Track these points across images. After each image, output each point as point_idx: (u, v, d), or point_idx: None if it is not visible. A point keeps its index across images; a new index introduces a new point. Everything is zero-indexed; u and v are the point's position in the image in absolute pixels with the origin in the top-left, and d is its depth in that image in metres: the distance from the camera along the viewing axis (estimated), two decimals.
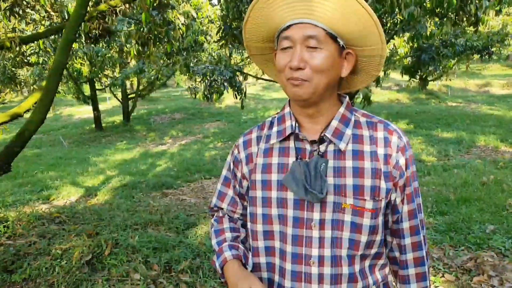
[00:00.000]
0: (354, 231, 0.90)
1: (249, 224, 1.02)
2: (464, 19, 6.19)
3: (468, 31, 10.57)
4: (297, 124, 0.95)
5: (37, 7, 4.83)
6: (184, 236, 3.60)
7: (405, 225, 0.97)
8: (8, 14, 4.50)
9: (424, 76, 16.30)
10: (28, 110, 3.47)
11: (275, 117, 1.03)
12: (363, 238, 0.90)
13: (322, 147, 0.92)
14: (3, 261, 2.76)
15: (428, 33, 6.65)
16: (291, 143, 0.95)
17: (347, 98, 0.98)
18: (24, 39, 3.31)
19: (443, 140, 8.14)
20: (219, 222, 1.10)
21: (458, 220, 3.74)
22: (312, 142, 0.93)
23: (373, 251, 0.94)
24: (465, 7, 5.63)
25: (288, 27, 0.87)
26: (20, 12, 4.67)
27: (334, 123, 0.92)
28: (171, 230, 3.75)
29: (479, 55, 11.01)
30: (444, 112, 12.38)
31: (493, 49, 11.66)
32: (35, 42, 5.14)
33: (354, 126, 0.94)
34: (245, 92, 7.98)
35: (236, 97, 8.05)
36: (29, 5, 4.69)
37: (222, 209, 1.11)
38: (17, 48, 3.19)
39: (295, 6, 0.85)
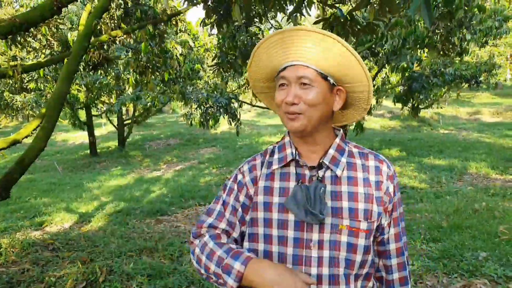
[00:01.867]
0: (350, 251, 0.98)
1: (247, 244, 1.07)
2: (450, 49, 6.44)
3: (456, 61, 10.90)
4: (297, 152, 1.05)
5: (39, 36, 4.97)
6: (178, 263, 3.59)
7: (392, 246, 1.06)
8: (9, 43, 4.62)
9: (416, 105, 16.60)
10: (26, 137, 3.52)
11: (276, 146, 1.12)
12: (358, 258, 0.98)
13: (320, 173, 1.02)
14: None
15: (418, 64, 6.88)
16: (292, 169, 1.04)
17: (341, 131, 1.10)
18: (26, 68, 3.40)
19: (435, 167, 8.24)
20: (217, 238, 1.05)
21: (451, 247, 3.76)
22: (311, 168, 1.03)
23: (365, 271, 1.02)
24: (451, 38, 5.88)
25: (285, 68, 0.99)
26: (22, 40, 4.80)
27: (331, 151, 1.03)
28: (166, 257, 3.74)
29: (467, 84, 11.29)
30: (436, 140, 12.56)
31: (481, 78, 11.97)
32: (35, 71, 5.24)
33: (348, 155, 1.05)
34: (239, 119, 8.10)
35: (231, 124, 8.16)
36: (30, 34, 4.82)
37: (218, 228, 1.08)
38: (19, 77, 3.27)
39: (289, 51, 0.97)
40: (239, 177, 1.10)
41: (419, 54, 8.21)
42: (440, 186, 6.75)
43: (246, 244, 1.07)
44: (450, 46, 6.16)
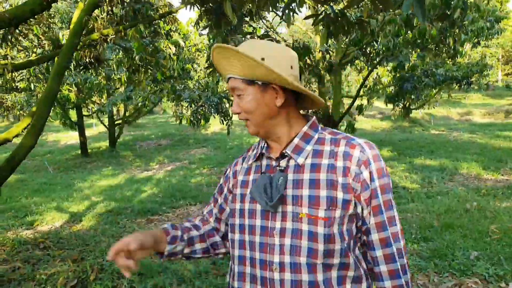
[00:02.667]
0: (311, 239, 0.96)
1: (230, 235, 1.13)
2: (444, 50, 6.50)
3: (448, 62, 11.03)
4: (265, 146, 1.10)
5: (30, 35, 4.92)
6: (169, 262, 3.58)
7: (374, 237, 1.00)
8: (0, 42, 4.56)
9: (407, 105, 16.76)
10: (17, 135, 3.49)
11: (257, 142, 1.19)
12: (320, 247, 0.95)
13: (283, 162, 1.04)
14: None
15: (410, 64, 6.93)
16: (263, 162, 1.10)
17: (314, 118, 1.10)
18: (17, 66, 3.36)
19: (426, 168, 8.31)
20: (193, 218, 1.28)
21: (442, 246, 3.78)
22: (277, 159, 1.06)
23: (336, 260, 0.97)
24: (444, 39, 5.93)
25: (228, 79, 1.06)
26: (13, 40, 4.75)
27: (296, 140, 1.04)
28: (156, 256, 3.72)
29: (458, 85, 11.42)
30: (427, 140, 12.67)
31: (473, 79, 12.12)
32: (26, 69, 5.20)
33: (317, 143, 1.04)
34: (231, 118, 8.10)
35: (223, 123, 8.15)
36: (22, 33, 4.77)
37: (201, 214, 1.29)
38: (9, 75, 3.24)
39: (223, 66, 1.05)
40: (227, 171, 1.23)
41: (413, 54, 8.28)
42: (431, 186, 6.80)
43: (229, 235, 1.14)
44: (444, 47, 6.22)
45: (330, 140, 1.04)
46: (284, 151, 1.04)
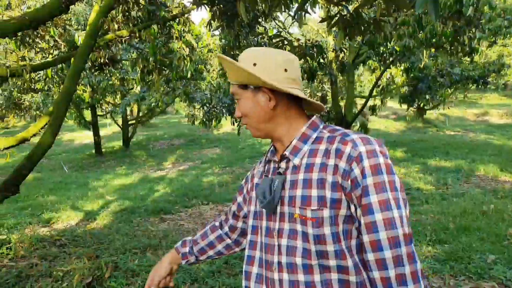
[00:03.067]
0: (305, 240, 0.96)
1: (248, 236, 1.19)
2: (459, 49, 6.39)
3: (463, 61, 10.85)
4: (273, 149, 1.14)
5: (47, 37, 5.01)
6: None
7: (365, 238, 0.91)
8: (18, 44, 4.67)
9: (421, 105, 16.54)
10: (35, 135, 3.56)
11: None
12: (312, 248, 0.95)
13: (282, 164, 1.06)
14: (5, 282, 2.78)
15: (422, 65, 6.84)
16: (272, 164, 1.13)
17: (313, 117, 1.09)
18: (35, 67, 3.43)
19: (441, 169, 8.19)
20: (215, 219, 1.39)
21: (458, 249, 3.71)
22: (279, 162, 1.08)
23: (332, 262, 0.94)
24: (459, 37, 5.83)
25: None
26: (30, 41, 4.85)
27: (294, 141, 1.05)
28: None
29: (475, 85, 11.22)
30: (442, 141, 12.48)
31: (490, 78, 11.90)
32: (43, 70, 5.30)
33: (314, 142, 1.03)
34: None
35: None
36: (39, 35, 4.86)
37: (224, 214, 1.37)
38: (28, 76, 3.31)
39: (227, 73, 1.10)
40: (249, 172, 1.28)
41: (425, 54, 8.17)
42: (446, 187, 6.70)
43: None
44: (459, 46, 6.11)
45: (327, 138, 1.01)
46: (283, 153, 1.06)
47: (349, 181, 0.92)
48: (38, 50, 5.33)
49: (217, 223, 1.35)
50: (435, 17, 1.66)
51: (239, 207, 1.29)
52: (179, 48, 5.57)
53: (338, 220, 0.94)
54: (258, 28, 5.62)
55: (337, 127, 1.05)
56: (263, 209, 1.06)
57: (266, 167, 1.15)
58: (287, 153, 1.05)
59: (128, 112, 16.62)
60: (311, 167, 0.99)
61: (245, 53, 1.08)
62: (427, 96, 11.34)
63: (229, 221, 1.33)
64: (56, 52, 5.42)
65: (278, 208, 1.02)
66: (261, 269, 1.06)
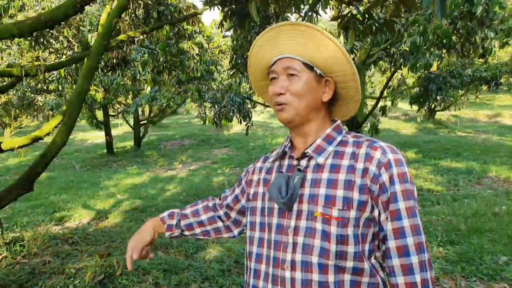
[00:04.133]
0: (324, 239, 0.94)
1: (248, 232, 1.14)
2: (471, 50, 6.32)
3: (476, 62, 10.70)
4: (290, 145, 1.10)
5: (60, 37, 5.09)
6: (193, 259, 3.64)
7: (391, 244, 0.94)
8: (33, 44, 4.75)
9: (432, 106, 16.37)
10: (48, 134, 3.62)
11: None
12: (332, 247, 0.93)
13: (303, 162, 1.03)
14: (19, 279, 2.83)
15: (426, 64, 6.74)
16: (286, 161, 1.10)
17: (338, 121, 1.10)
18: (49, 67, 3.49)
19: (452, 170, 8.10)
20: (210, 198, 1.36)
21: (470, 250, 3.69)
22: (298, 159, 1.05)
23: (349, 264, 0.94)
24: (471, 38, 5.76)
25: (274, 63, 1.05)
26: (44, 42, 4.93)
27: (318, 141, 1.04)
28: (180, 253, 3.79)
29: (487, 86, 11.06)
30: (453, 142, 12.34)
31: (502, 80, 11.71)
32: (57, 70, 5.38)
33: (339, 145, 1.03)
34: (251, 118, 8.16)
35: (241, 122, 8.21)
36: (53, 36, 4.94)
37: (218, 198, 1.35)
38: (42, 76, 3.37)
39: (277, 46, 1.03)
40: (250, 166, 1.26)
41: (436, 54, 8.08)
42: (458, 189, 6.63)
43: (248, 232, 1.15)
44: (471, 46, 6.04)
45: (352, 142, 1.03)
46: (305, 151, 1.04)
47: (378, 185, 0.95)
48: (52, 50, 5.42)
49: (210, 204, 1.32)
50: (440, 17, 1.66)
51: (236, 199, 1.27)
52: (189, 48, 5.61)
53: (360, 222, 0.95)
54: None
55: (359, 134, 1.07)
56: (277, 206, 1.03)
57: (280, 163, 1.12)
58: (309, 151, 1.02)
59: (140, 113, 16.78)
60: (338, 168, 0.98)
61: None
62: (438, 97, 11.21)
63: (223, 208, 1.30)
64: (69, 53, 5.51)
65: (295, 205, 0.99)
66: (269, 267, 1.02)
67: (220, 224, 1.30)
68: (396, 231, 0.94)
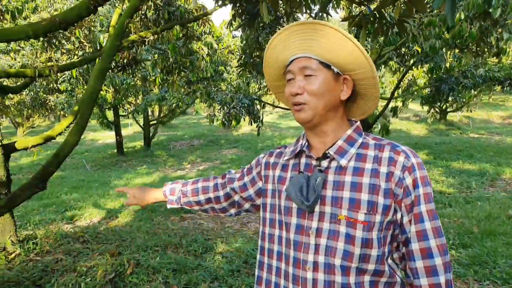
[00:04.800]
0: (348, 242, 0.95)
1: (261, 227, 1.15)
2: (486, 50, 6.23)
3: (489, 62, 10.54)
4: (307, 144, 1.08)
5: (72, 38, 5.14)
6: (202, 259, 3.64)
7: (414, 246, 0.96)
8: (45, 45, 4.81)
9: (443, 107, 16.18)
10: (60, 134, 3.66)
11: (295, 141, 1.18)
12: (356, 250, 0.94)
13: (324, 163, 1.03)
14: (32, 276, 2.87)
15: (447, 65, 6.66)
16: (302, 160, 1.08)
17: (358, 122, 1.09)
18: (61, 67, 3.53)
19: (464, 172, 7.99)
20: (212, 178, 1.38)
21: (483, 253, 3.64)
22: (318, 159, 1.04)
23: (371, 266, 0.95)
24: (485, 38, 5.68)
25: (290, 62, 1.04)
26: (56, 42, 4.99)
27: (339, 142, 1.03)
28: (190, 253, 3.80)
29: (500, 86, 10.90)
30: (465, 144, 12.18)
31: None
32: (69, 70, 5.45)
33: (360, 147, 1.03)
34: (261, 120, 8.15)
35: (252, 124, 8.21)
36: (65, 37, 4.99)
37: (224, 175, 1.34)
38: (54, 76, 3.41)
39: (294, 45, 1.03)
40: (260, 156, 1.25)
41: (449, 55, 7.99)
42: (470, 191, 6.54)
43: (261, 227, 1.15)
44: (485, 46, 5.96)
45: (374, 145, 1.03)
46: (326, 152, 1.03)
47: (402, 189, 0.96)
48: (64, 51, 5.48)
49: (211, 185, 1.34)
50: (451, 18, 1.63)
51: (244, 187, 1.26)
52: (199, 48, 5.63)
53: (383, 226, 0.96)
54: (279, 28, 5.63)
55: (379, 137, 1.07)
56: (296, 206, 1.02)
57: (296, 161, 1.10)
58: (331, 152, 1.02)
59: (150, 113, 16.89)
60: (361, 171, 0.98)
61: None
62: (450, 98, 11.07)
63: (226, 189, 1.30)
64: (81, 53, 5.57)
65: (317, 207, 0.99)
66: (288, 266, 1.02)
67: (215, 205, 1.34)
68: (420, 234, 0.96)
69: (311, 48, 1.00)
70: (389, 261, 1.00)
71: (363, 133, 1.08)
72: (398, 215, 0.97)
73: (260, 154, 1.26)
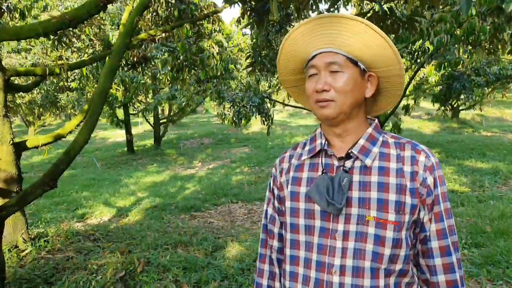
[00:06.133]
0: (377, 243, 0.93)
1: (283, 233, 1.10)
2: (499, 47, 6.11)
3: (503, 60, 10.35)
4: (326, 142, 1.04)
5: (82, 36, 5.17)
6: (212, 258, 3.64)
7: (434, 244, 0.98)
8: (56, 44, 4.85)
9: (455, 105, 15.95)
10: (70, 132, 3.69)
11: (308, 138, 1.13)
12: (387, 251, 0.92)
13: (348, 163, 0.99)
14: (44, 273, 2.89)
15: (455, 61, 6.54)
16: (321, 159, 1.03)
17: (376, 120, 1.05)
18: (72, 65, 3.55)
19: (477, 171, 7.87)
20: (261, 261, 1.18)
21: (496, 253, 3.58)
22: (340, 159, 1.00)
23: (398, 267, 0.95)
24: (499, 35, 5.57)
25: (313, 57, 0.99)
26: (67, 41, 5.02)
27: (362, 141, 1.00)
28: (200, 251, 3.80)
29: None
30: (478, 142, 12.00)
31: None
32: (79, 69, 5.49)
33: (382, 145, 1.00)
34: (272, 118, 8.13)
35: (263, 123, 8.19)
36: (75, 35, 5.02)
37: (267, 230, 1.17)
38: (65, 74, 3.42)
39: (318, 39, 0.98)
40: (273, 170, 1.16)
41: (461, 51, 7.86)
42: (483, 190, 6.44)
43: (283, 232, 1.10)
44: (499, 43, 5.84)
45: (394, 143, 1.01)
46: (350, 151, 1.00)
47: (425, 188, 0.96)
48: (75, 49, 5.52)
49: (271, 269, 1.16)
50: (466, 10, 1.58)
51: (272, 219, 1.15)
52: (209, 46, 5.62)
53: (410, 225, 0.96)
54: (289, 27, 5.59)
55: (396, 134, 1.05)
56: (320, 208, 0.98)
57: (310, 161, 1.06)
58: (354, 151, 0.99)
59: (160, 111, 16.99)
60: (387, 171, 0.96)
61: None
62: (462, 96, 10.91)
63: (276, 252, 1.15)
64: (91, 51, 5.60)
65: (344, 209, 0.96)
66: (310, 270, 0.99)
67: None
68: (439, 232, 0.98)
69: (338, 43, 0.96)
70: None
71: (381, 131, 1.05)
72: (422, 214, 0.97)
73: (272, 170, 1.18)
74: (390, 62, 0.97)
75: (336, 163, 1.01)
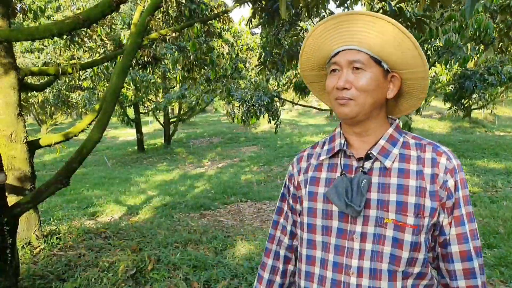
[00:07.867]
0: (395, 246, 0.92)
1: (298, 232, 1.10)
2: (510, 46, 6.03)
3: None
4: (345, 142, 1.02)
5: (94, 36, 5.22)
6: (222, 256, 3.65)
7: (454, 248, 0.95)
8: (68, 43, 4.90)
9: (467, 104, 15.72)
10: (82, 131, 3.73)
11: (327, 137, 1.11)
12: (405, 254, 0.92)
13: (367, 164, 0.97)
14: (56, 270, 2.94)
15: (464, 57, 6.43)
16: (339, 160, 1.02)
17: (397, 120, 1.04)
18: (84, 65, 3.59)
19: (490, 171, 7.77)
20: (266, 255, 1.19)
21: (509, 254, 3.54)
22: (359, 159, 0.99)
23: (416, 269, 0.94)
24: (510, 33, 5.49)
25: (336, 54, 0.97)
26: (79, 41, 5.08)
27: (382, 142, 0.98)
28: (210, 250, 3.82)
29: None
30: (491, 142, 11.84)
31: None
32: (91, 68, 5.55)
33: (402, 147, 0.98)
34: (279, 117, 8.13)
35: (270, 122, 8.19)
36: (87, 35, 5.08)
37: (277, 227, 1.18)
38: (77, 74, 3.47)
39: (341, 36, 0.96)
40: (290, 168, 1.15)
41: (469, 49, 7.75)
42: (496, 190, 6.35)
43: (298, 232, 1.10)
44: (509, 42, 5.76)
45: (415, 145, 0.99)
46: (369, 152, 0.98)
47: (446, 191, 0.95)
48: (86, 49, 5.58)
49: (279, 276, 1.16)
50: (470, 10, 1.55)
51: (286, 216, 1.16)
52: (219, 46, 5.64)
53: (429, 228, 0.95)
54: (299, 25, 5.58)
55: (417, 135, 1.03)
56: (338, 209, 0.97)
57: (329, 162, 1.05)
58: (374, 152, 0.97)
59: (170, 110, 17.07)
60: (407, 173, 0.95)
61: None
62: (475, 95, 10.75)
63: (287, 248, 1.16)
64: (102, 51, 5.65)
65: (362, 210, 0.95)
66: (326, 271, 0.98)
67: (292, 267, 1.18)
68: (460, 236, 0.95)
69: (362, 41, 0.94)
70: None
71: (402, 131, 1.04)
72: (441, 217, 0.96)
73: (289, 168, 1.17)
74: (415, 64, 0.95)
75: (355, 164, 1.00)
